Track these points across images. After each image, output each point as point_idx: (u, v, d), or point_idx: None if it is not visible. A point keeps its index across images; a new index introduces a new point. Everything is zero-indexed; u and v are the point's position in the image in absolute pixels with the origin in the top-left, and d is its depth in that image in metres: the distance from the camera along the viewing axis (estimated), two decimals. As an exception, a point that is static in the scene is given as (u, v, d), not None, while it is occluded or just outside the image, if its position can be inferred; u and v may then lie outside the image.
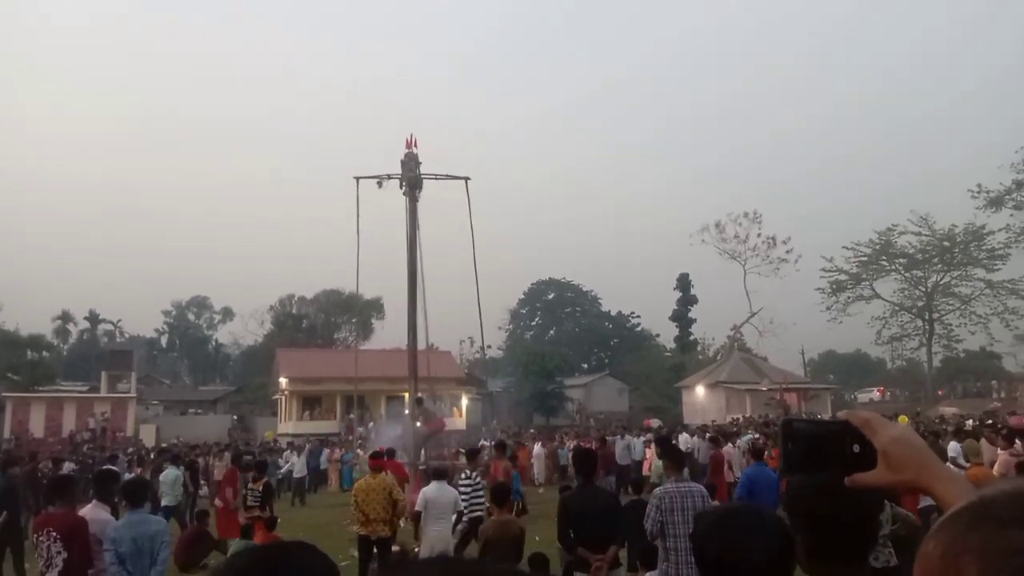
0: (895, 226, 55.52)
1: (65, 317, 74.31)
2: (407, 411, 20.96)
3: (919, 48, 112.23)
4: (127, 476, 14.14)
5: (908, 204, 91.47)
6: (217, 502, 14.18)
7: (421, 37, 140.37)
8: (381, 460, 11.67)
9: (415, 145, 17.69)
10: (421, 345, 17.09)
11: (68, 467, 19.57)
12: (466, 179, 18.03)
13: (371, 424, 27.43)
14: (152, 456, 23.71)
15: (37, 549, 6.37)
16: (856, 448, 1.18)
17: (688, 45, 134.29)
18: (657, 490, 6.50)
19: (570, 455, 21.81)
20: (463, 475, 12.02)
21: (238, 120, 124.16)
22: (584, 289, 79.94)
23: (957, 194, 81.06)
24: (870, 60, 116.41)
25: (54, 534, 6.20)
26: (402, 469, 15.44)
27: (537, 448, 25.17)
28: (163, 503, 14.46)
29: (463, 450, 19.20)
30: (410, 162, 17.46)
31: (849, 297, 57.98)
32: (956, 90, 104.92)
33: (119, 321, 79.74)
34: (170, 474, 15.14)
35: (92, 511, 6.71)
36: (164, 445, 31.31)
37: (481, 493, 11.75)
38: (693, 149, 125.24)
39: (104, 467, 12.28)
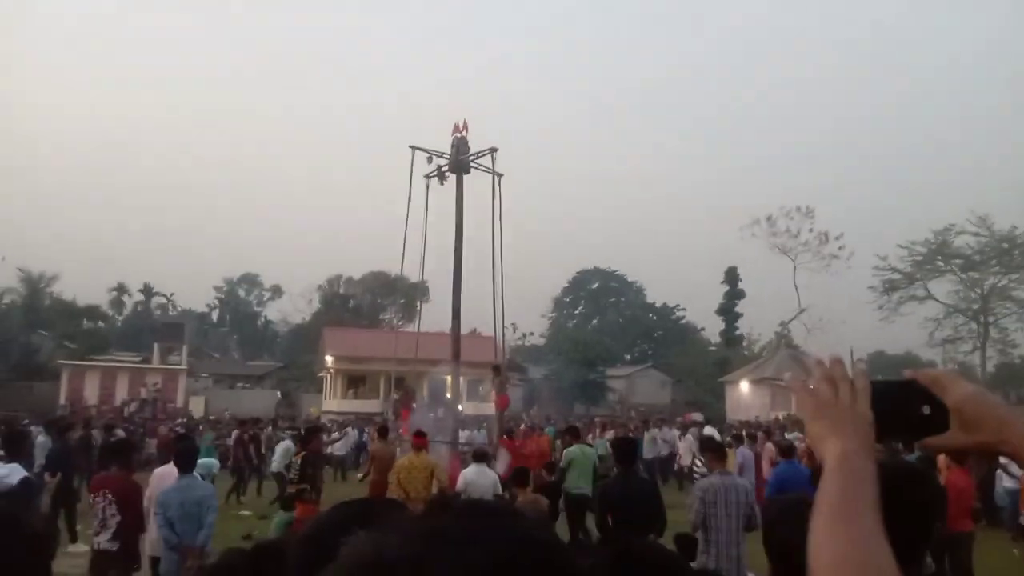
0: (952, 226, 53.96)
1: (121, 289, 76.26)
2: (448, 395, 21.14)
3: (980, 40, 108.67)
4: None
5: (968, 200, 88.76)
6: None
7: (476, 19, 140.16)
8: (424, 439, 11.75)
9: (465, 130, 17.78)
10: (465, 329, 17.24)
11: (119, 434, 20.21)
12: (499, 175, 18.04)
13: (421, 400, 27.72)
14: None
15: (93, 509, 6.58)
16: (926, 409, 1.07)
17: (747, 33, 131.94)
18: (701, 482, 6.51)
19: (608, 444, 21.99)
20: (697, 463, 10.97)
21: (290, 100, 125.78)
22: (629, 279, 79.48)
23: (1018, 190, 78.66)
24: (928, 53, 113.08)
25: (110, 496, 6.42)
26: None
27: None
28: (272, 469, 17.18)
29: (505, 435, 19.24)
30: (461, 146, 17.57)
31: (902, 297, 56.63)
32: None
33: (172, 295, 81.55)
34: (284, 444, 17.51)
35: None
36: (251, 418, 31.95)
37: None
38: (747, 140, 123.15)
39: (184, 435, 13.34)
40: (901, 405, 1.09)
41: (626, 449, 8.11)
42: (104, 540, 6.78)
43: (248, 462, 18.21)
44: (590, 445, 13.07)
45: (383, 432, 14.61)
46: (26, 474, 6.28)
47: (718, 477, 6.36)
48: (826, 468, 0.97)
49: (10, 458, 6.66)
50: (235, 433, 20.74)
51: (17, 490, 5.84)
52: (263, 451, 19.67)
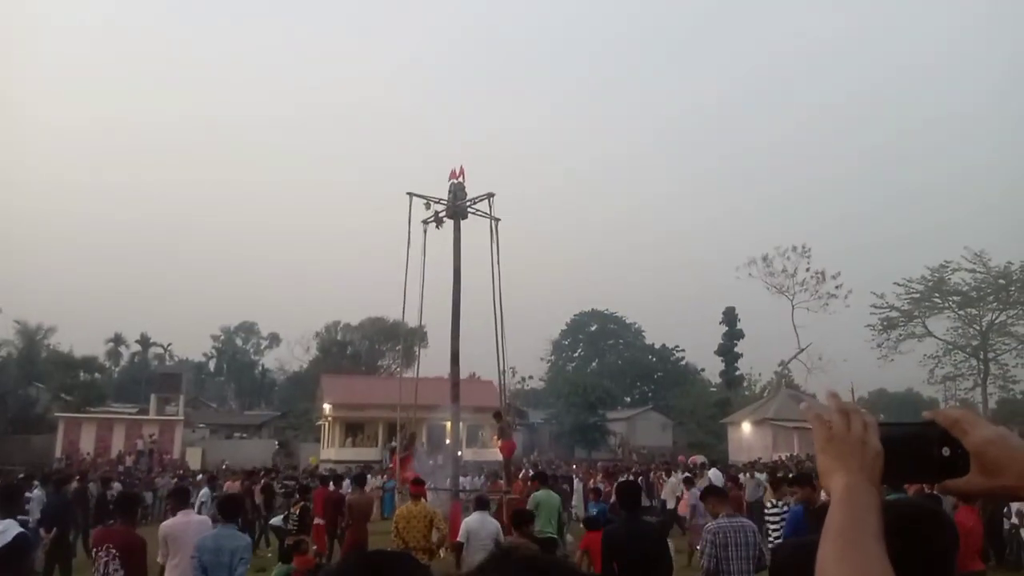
0: (948, 263, 54.19)
1: (118, 340, 76.08)
2: (448, 440, 20.99)
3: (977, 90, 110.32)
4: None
5: (964, 237, 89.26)
6: (318, 520, 14.55)
7: (461, 59, 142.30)
8: (421, 487, 11.61)
9: (463, 175, 17.92)
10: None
11: (116, 487, 19.98)
12: (497, 220, 18.12)
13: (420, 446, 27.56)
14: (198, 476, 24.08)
15: (95, 564, 6.48)
16: (945, 451, 1.05)
17: (745, 81, 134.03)
18: (711, 524, 6.42)
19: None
20: (769, 504, 10.23)
21: (288, 149, 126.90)
22: (627, 321, 79.45)
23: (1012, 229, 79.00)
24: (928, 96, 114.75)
25: (113, 551, 6.34)
26: None
27: (576, 481, 25.07)
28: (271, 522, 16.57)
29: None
30: (457, 191, 17.67)
31: (901, 334, 56.60)
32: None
33: (169, 345, 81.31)
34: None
35: (184, 516, 7.33)
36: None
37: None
38: (742, 184, 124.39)
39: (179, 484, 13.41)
40: (920, 447, 1.07)
41: (630, 493, 7.99)
42: (103, 596, 6.67)
43: (256, 512, 17.88)
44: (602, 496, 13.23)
45: (360, 481, 14.57)
46: (22, 530, 6.17)
47: (726, 519, 6.28)
48: (832, 500, 1.00)
49: (4, 513, 6.56)
50: (228, 483, 20.46)
51: (12, 546, 5.74)
52: (272, 501, 19.32)
